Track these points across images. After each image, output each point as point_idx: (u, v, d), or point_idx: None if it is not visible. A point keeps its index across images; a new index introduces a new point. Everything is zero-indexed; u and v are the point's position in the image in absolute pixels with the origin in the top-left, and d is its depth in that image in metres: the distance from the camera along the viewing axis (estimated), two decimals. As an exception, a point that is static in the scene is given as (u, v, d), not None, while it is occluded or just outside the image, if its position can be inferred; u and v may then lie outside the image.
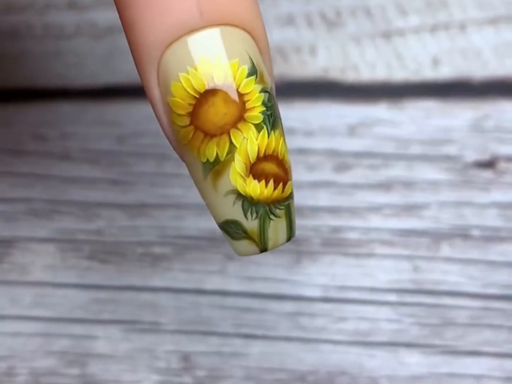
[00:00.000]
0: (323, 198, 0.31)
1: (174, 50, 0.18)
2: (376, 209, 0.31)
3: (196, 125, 0.18)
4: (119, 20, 0.32)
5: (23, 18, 0.33)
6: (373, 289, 0.30)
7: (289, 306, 0.30)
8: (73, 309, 0.30)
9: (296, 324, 0.29)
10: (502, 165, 0.31)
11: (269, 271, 0.30)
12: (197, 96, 0.18)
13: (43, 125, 0.32)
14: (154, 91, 0.19)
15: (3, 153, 0.31)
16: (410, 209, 0.31)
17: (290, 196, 0.19)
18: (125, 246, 0.30)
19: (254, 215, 0.19)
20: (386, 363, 0.29)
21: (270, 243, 0.19)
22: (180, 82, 0.18)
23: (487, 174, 0.31)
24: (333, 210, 0.31)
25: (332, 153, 0.31)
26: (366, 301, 0.30)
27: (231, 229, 0.19)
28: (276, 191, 0.19)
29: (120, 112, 0.32)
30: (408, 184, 0.31)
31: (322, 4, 0.33)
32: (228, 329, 0.29)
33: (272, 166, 0.19)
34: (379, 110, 0.32)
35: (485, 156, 0.31)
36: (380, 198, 0.31)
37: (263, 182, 0.19)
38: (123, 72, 0.32)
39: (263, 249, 0.19)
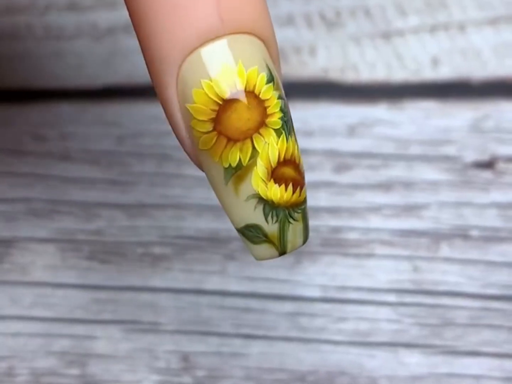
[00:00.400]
0: (323, 198, 0.31)
1: (196, 58, 0.18)
2: (375, 209, 0.31)
3: (220, 131, 0.18)
4: (119, 21, 0.32)
5: (24, 19, 0.33)
6: (372, 289, 0.30)
7: (289, 306, 0.30)
8: (73, 309, 0.30)
9: (296, 324, 0.29)
10: (501, 165, 0.31)
11: (269, 271, 0.30)
12: (220, 102, 0.18)
13: (43, 125, 0.32)
14: (173, 98, 0.19)
15: (3, 153, 0.31)
16: (409, 209, 0.31)
17: (305, 200, 0.20)
18: (125, 246, 0.30)
19: (275, 218, 0.19)
20: (386, 363, 0.29)
21: (289, 246, 0.19)
22: (203, 89, 0.18)
23: (486, 174, 0.31)
24: (333, 210, 0.31)
25: (332, 153, 0.31)
26: (366, 301, 0.30)
27: (251, 233, 0.19)
28: (295, 195, 0.19)
29: (120, 112, 0.32)
30: (407, 185, 0.31)
31: (322, 4, 0.33)
32: (228, 329, 0.29)
33: (290, 171, 0.19)
34: (379, 111, 0.32)
35: (484, 157, 0.31)
36: (379, 198, 0.31)
37: (283, 186, 0.19)
38: (123, 72, 0.32)
39: (282, 252, 0.20)
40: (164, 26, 0.18)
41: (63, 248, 0.30)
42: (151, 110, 0.32)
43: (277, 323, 0.29)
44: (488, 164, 0.31)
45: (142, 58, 0.29)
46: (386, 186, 0.31)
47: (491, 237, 0.30)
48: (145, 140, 0.31)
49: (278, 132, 0.19)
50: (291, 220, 0.19)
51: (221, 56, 0.18)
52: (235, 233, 0.30)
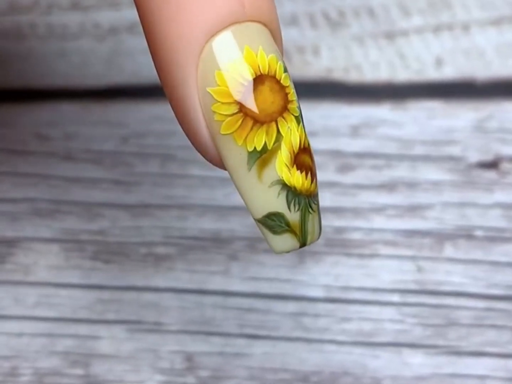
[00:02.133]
0: (326, 199, 0.31)
1: (220, 40, 0.18)
2: (379, 209, 0.31)
3: (246, 112, 0.18)
4: (122, 20, 0.32)
5: (27, 18, 0.33)
6: (376, 290, 0.30)
7: (292, 307, 0.30)
8: (76, 309, 0.30)
9: (299, 325, 0.29)
10: (505, 165, 0.31)
11: (272, 271, 0.30)
12: (246, 83, 0.18)
13: (47, 125, 0.32)
14: (192, 83, 0.18)
15: (6, 153, 0.31)
16: (413, 209, 0.31)
17: (318, 193, 0.20)
18: (128, 247, 0.30)
19: (297, 206, 0.19)
20: (389, 364, 0.29)
21: (309, 238, 0.19)
22: (227, 71, 0.18)
23: (490, 174, 0.31)
24: (336, 211, 0.31)
25: (335, 154, 0.31)
26: (370, 302, 0.30)
27: (273, 222, 0.19)
28: (313, 184, 0.19)
29: (124, 112, 0.32)
30: (411, 185, 0.31)
31: (326, 4, 0.33)
32: (231, 330, 0.29)
33: (309, 160, 0.19)
34: (382, 111, 0.32)
35: (488, 157, 0.31)
36: (383, 198, 0.31)
37: (304, 173, 0.19)
38: (127, 72, 0.32)
39: (303, 243, 0.19)
40: (185, 9, 0.18)
41: (66, 248, 0.30)
42: (154, 110, 0.32)
43: (281, 323, 0.29)
44: (492, 164, 0.31)
45: (146, 58, 0.29)
46: (389, 187, 0.31)
47: (495, 237, 0.30)
48: (148, 140, 0.31)
49: (297, 119, 0.19)
50: (310, 210, 0.19)
51: (244, 40, 0.18)
52: (238, 233, 0.31)
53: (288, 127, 0.19)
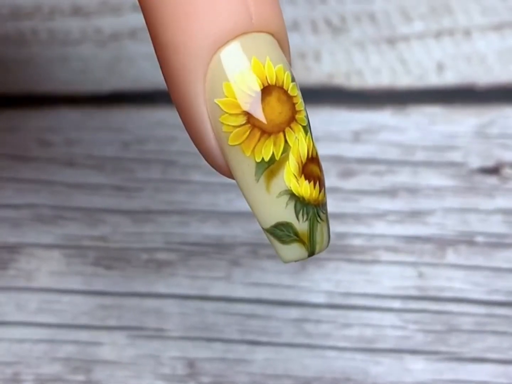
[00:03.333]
0: (328, 204, 0.31)
1: (227, 52, 0.18)
2: (380, 215, 0.31)
3: (253, 123, 0.18)
4: (124, 26, 0.32)
5: (29, 24, 0.33)
6: (377, 296, 0.30)
7: (294, 313, 0.30)
8: (78, 315, 0.30)
9: (301, 331, 0.29)
10: (507, 171, 0.31)
11: (273, 277, 0.30)
12: (253, 94, 0.18)
13: (48, 131, 0.32)
14: (199, 93, 0.19)
15: (8, 159, 0.32)
16: (414, 215, 0.31)
17: (326, 201, 0.20)
18: (130, 252, 0.30)
19: (305, 216, 0.19)
20: (390, 370, 0.29)
21: (317, 247, 0.19)
22: (235, 82, 0.18)
23: (492, 180, 0.31)
24: (338, 217, 0.31)
25: (337, 160, 0.31)
26: (371, 308, 0.30)
27: (281, 232, 0.19)
28: (321, 193, 0.19)
29: (125, 118, 0.32)
30: (412, 191, 0.31)
31: (327, 10, 0.33)
32: (233, 336, 0.29)
33: (316, 169, 0.19)
34: (384, 116, 0.32)
35: (490, 163, 0.31)
36: (384, 204, 0.31)
37: (312, 183, 0.19)
38: (128, 78, 0.32)
39: (311, 253, 0.19)
40: (194, 20, 0.18)
41: (68, 254, 0.30)
42: (156, 116, 0.32)
43: (282, 329, 0.29)
44: (494, 170, 0.31)
45: (148, 64, 0.29)
46: (391, 192, 0.31)
47: (497, 243, 0.30)
48: (150, 146, 0.31)
49: (305, 129, 0.19)
50: (319, 219, 0.19)
51: (252, 51, 0.18)
52: (240, 239, 0.31)
53: (296, 137, 0.19)
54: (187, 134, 0.19)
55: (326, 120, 0.32)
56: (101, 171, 0.31)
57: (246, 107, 0.18)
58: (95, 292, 0.30)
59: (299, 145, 0.19)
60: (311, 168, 0.19)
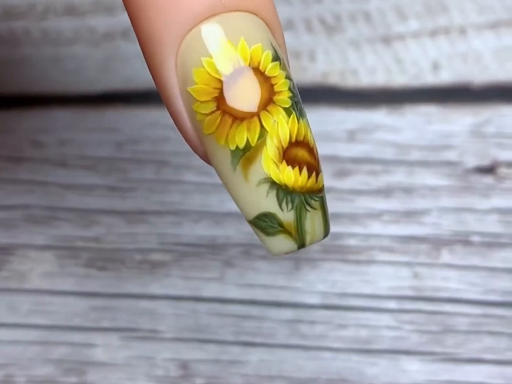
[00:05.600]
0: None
1: (195, 36, 0.17)
2: (376, 215, 0.30)
3: (224, 110, 0.17)
4: (117, 26, 0.32)
5: (21, 23, 0.32)
6: (373, 296, 0.30)
7: (288, 314, 0.29)
8: (71, 316, 0.30)
9: (296, 332, 0.29)
10: (502, 170, 0.31)
11: (268, 278, 0.30)
12: (223, 79, 0.17)
13: (41, 131, 0.31)
14: (173, 83, 0.18)
15: (0, 160, 0.31)
16: (410, 215, 0.30)
17: (323, 188, 0.19)
18: (123, 253, 0.30)
19: (290, 205, 0.18)
20: (386, 371, 0.29)
21: (308, 238, 0.18)
22: (203, 67, 0.17)
23: (487, 179, 0.31)
24: (333, 217, 0.30)
25: (332, 159, 0.31)
26: (366, 308, 0.29)
27: (265, 223, 0.18)
28: (310, 180, 0.18)
29: (119, 118, 0.31)
30: (408, 190, 0.31)
31: (322, 9, 0.33)
32: (227, 337, 0.29)
33: (304, 153, 0.18)
34: (379, 116, 0.32)
35: (485, 162, 0.31)
36: (380, 204, 0.31)
37: (297, 169, 0.18)
38: (122, 78, 0.32)
39: (301, 244, 0.18)
40: (159, 5, 0.17)
41: (61, 255, 0.30)
42: (149, 116, 0.31)
43: (277, 331, 0.29)
44: (489, 169, 0.31)
45: (141, 64, 0.29)
46: (386, 192, 0.31)
47: (492, 243, 0.30)
48: (143, 146, 0.31)
49: (287, 111, 0.18)
50: (308, 207, 0.18)
51: (221, 33, 0.17)
52: (234, 239, 0.30)
53: (275, 120, 0.17)
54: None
55: (321, 120, 0.32)
56: (94, 172, 0.31)
57: (215, 93, 0.17)
58: (88, 293, 0.30)
59: (278, 128, 0.17)
60: (295, 153, 0.18)
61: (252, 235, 0.28)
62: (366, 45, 0.33)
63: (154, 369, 0.29)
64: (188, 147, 0.19)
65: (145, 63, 0.19)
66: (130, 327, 0.29)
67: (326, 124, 0.32)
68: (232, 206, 0.30)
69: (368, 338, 0.29)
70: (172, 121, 0.19)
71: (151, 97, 0.31)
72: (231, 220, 0.30)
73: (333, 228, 0.30)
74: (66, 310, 0.30)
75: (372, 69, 0.32)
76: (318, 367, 0.29)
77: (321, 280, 0.30)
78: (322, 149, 0.31)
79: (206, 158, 0.18)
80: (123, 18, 0.32)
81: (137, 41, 0.19)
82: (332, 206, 0.31)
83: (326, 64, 0.32)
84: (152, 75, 0.18)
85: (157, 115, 0.31)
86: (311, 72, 0.32)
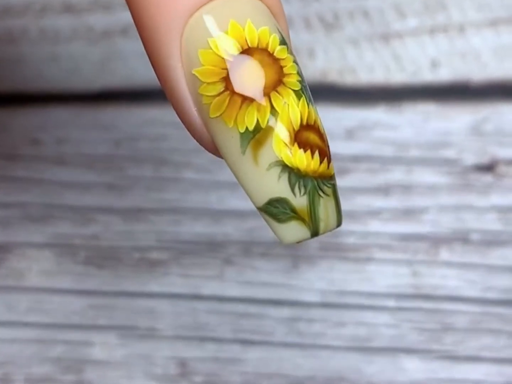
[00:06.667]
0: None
1: (200, 17, 0.17)
2: (374, 213, 0.30)
3: (233, 90, 0.17)
4: (115, 24, 0.32)
5: (19, 22, 0.32)
6: (371, 294, 0.30)
7: (287, 312, 0.29)
8: (69, 315, 0.30)
9: (294, 330, 0.29)
10: (501, 168, 0.31)
11: (266, 276, 0.30)
12: (230, 59, 0.17)
13: (39, 129, 0.31)
14: (176, 66, 0.17)
15: (-1, 158, 0.31)
16: (409, 213, 0.30)
17: (334, 176, 0.18)
18: (121, 251, 0.30)
19: (303, 190, 0.17)
20: (385, 369, 0.29)
21: (322, 225, 0.17)
22: (210, 48, 0.17)
23: (486, 177, 0.31)
24: (331, 214, 0.30)
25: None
26: (365, 306, 0.29)
27: (276, 209, 0.17)
28: (323, 164, 0.17)
29: (116, 116, 0.31)
30: (407, 188, 0.31)
31: (320, 6, 0.33)
32: (225, 335, 0.29)
33: (315, 137, 0.17)
34: (378, 113, 0.32)
35: (484, 160, 0.31)
36: (378, 202, 0.31)
37: (309, 152, 0.17)
38: (119, 76, 0.32)
39: (314, 232, 0.17)
40: None
41: (59, 253, 0.30)
42: (147, 113, 0.31)
43: (275, 329, 0.29)
44: (488, 167, 0.31)
45: (139, 62, 0.28)
46: (385, 190, 0.31)
47: (491, 241, 0.30)
48: (141, 144, 0.31)
49: (297, 94, 0.17)
50: (321, 193, 0.17)
51: (229, 14, 0.17)
52: (233, 237, 0.30)
53: (285, 102, 0.17)
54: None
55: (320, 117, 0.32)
56: (92, 170, 0.31)
57: (223, 74, 0.17)
58: (86, 292, 0.30)
59: (289, 110, 0.17)
60: (306, 136, 0.17)
61: (251, 233, 0.28)
62: (364, 43, 0.32)
63: (152, 367, 0.29)
64: (187, 145, 0.19)
65: (144, 61, 0.18)
66: (129, 325, 0.29)
67: (325, 121, 0.31)
68: (231, 204, 0.30)
69: (367, 336, 0.29)
70: (176, 116, 0.18)
71: (149, 95, 0.31)
72: (230, 218, 0.30)
73: (332, 226, 0.30)
74: (64, 308, 0.30)
75: (371, 67, 0.32)
76: (317, 365, 0.29)
77: (319, 278, 0.30)
78: (320, 147, 0.31)
79: (212, 146, 0.18)
80: (121, 16, 0.32)
81: (135, 39, 0.18)
82: (331, 204, 0.31)
83: (324, 62, 0.32)
84: (153, 63, 0.18)
85: (155, 113, 0.31)
86: (309, 69, 0.32)
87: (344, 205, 0.30)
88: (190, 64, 0.17)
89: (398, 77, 0.32)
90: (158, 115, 0.31)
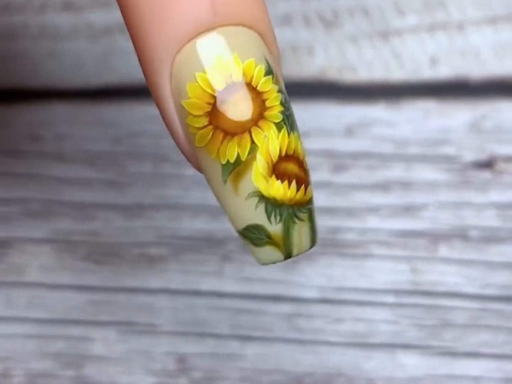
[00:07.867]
0: (320, 199, 0.30)
1: (189, 51, 0.18)
2: (373, 209, 0.30)
3: (216, 125, 0.18)
4: (115, 21, 0.32)
5: (20, 18, 0.32)
6: (370, 290, 0.30)
7: (285, 308, 0.29)
8: (68, 310, 0.30)
9: (293, 326, 0.29)
10: (500, 165, 0.31)
11: (265, 272, 0.30)
12: (215, 94, 0.18)
13: (39, 125, 0.31)
14: (167, 95, 0.18)
15: (-1, 154, 0.31)
16: (408, 209, 0.30)
17: (311, 200, 0.19)
18: (121, 247, 0.30)
19: (278, 218, 0.18)
20: (383, 365, 0.29)
21: (295, 249, 0.19)
22: (197, 82, 0.18)
23: (485, 174, 0.31)
24: (330, 211, 0.30)
25: (329, 154, 0.31)
26: (364, 302, 0.29)
27: (253, 235, 0.18)
28: (299, 192, 0.18)
29: (116, 112, 0.31)
30: (406, 185, 0.31)
31: (320, 4, 0.33)
32: (224, 331, 0.29)
33: (293, 167, 0.18)
34: (377, 111, 0.32)
35: (483, 157, 0.31)
36: (377, 198, 0.31)
37: (286, 182, 0.18)
38: (120, 72, 0.32)
39: (287, 255, 0.19)
40: (154, 21, 0.17)
41: (59, 249, 0.30)
42: (147, 110, 0.31)
43: (274, 324, 0.29)
44: (487, 164, 0.31)
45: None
46: (384, 187, 0.31)
47: (490, 237, 0.30)
48: (141, 140, 0.31)
49: (278, 126, 0.18)
50: (296, 219, 0.18)
51: (215, 48, 0.18)
52: (231, 234, 0.30)
53: (265, 136, 0.18)
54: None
55: (319, 115, 0.32)
56: (92, 166, 0.31)
57: (207, 108, 0.18)
58: (86, 287, 0.30)
59: (269, 143, 0.18)
60: (284, 167, 0.18)
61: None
62: (364, 40, 0.33)
63: (151, 362, 0.29)
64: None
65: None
66: (128, 321, 0.29)
67: (324, 119, 0.32)
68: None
69: (366, 332, 0.29)
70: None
71: (149, 92, 0.31)
72: (229, 214, 0.30)
73: (331, 222, 0.30)
74: (63, 304, 0.30)
75: (370, 64, 0.32)
76: (315, 361, 0.29)
77: (318, 274, 0.30)
78: (319, 144, 0.31)
79: (198, 167, 0.19)
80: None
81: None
82: (330, 200, 0.31)
83: (324, 59, 0.32)
84: (148, 85, 0.19)
85: (155, 110, 0.31)
86: (309, 67, 0.32)
87: (343, 202, 0.31)
88: (179, 94, 0.18)
89: (397, 74, 0.32)
90: (158, 112, 0.31)
